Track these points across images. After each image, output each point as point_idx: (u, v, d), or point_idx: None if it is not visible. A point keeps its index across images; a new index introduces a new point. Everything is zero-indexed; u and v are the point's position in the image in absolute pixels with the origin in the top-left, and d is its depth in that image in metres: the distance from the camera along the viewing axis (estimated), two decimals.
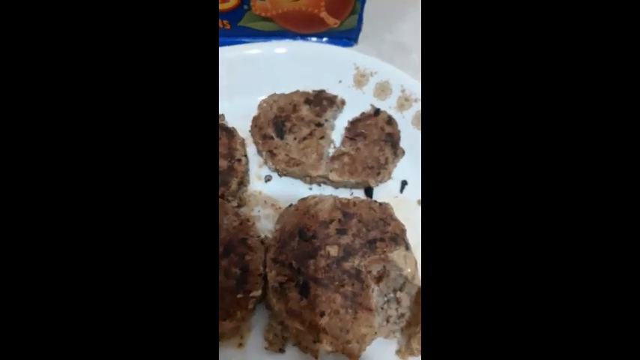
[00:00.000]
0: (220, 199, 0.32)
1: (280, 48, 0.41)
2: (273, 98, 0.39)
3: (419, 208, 0.36)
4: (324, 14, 0.44)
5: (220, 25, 0.44)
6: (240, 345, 0.29)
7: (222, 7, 0.42)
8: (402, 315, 0.29)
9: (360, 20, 0.46)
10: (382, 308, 0.29)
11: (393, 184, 0.37)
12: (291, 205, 0.33)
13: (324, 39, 0.47)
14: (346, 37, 0.47)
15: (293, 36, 0.47)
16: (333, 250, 0.30)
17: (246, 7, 0.42)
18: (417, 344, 0.28)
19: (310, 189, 0.37)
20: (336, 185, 0.36)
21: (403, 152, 0.37)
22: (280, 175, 0.37)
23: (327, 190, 0.36)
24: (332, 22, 0.45)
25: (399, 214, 0.33)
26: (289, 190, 0.36)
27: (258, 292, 0.28)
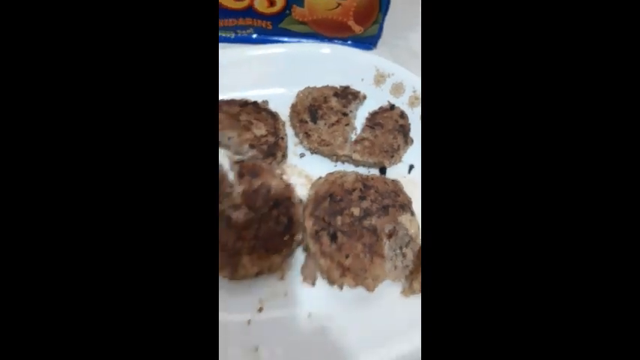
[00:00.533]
0: (269, 166, 0.40)
1: (316, 49, 0.50)
2: (308, 90, 0.47)
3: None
4: (351, 22, 0.52)
5: (264, 25, 0.52)
6: (282, 278, 0.38)
7: (268, 10, 0.50)
8: (407, 266, 0.38)
9: (380, 29, 0.54)
10: (391, 259, 0.38)
11: (402, 167, 0.46)
12: (320, 178, 0.42)
13: (349, 42, 0.55)
14: (368, 42, 0.56)
15: (322, 38, 0.55)
16: (356, 211, 0.38)
17: (287, 12, 0.50)
18: (417, 285, 0.37)
19: (335, 166, 0.45)
20: (357, 164, 0.45)
21: (412, 141, 0.45)
22: (312, 153, 0.45)
23: (349, 168, 0.45)
24: (357, 29, 0.53)
25: (406, 190, 0.42)
26: (319, 166, 0.45)
27: (299, 236, 0.37)
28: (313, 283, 0.38)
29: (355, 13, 0.51)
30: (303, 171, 0.45)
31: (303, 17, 0.51)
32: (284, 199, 0.38)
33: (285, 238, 0.36)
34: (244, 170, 0.39)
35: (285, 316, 0.36)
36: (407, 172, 0.45)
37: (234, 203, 0.38)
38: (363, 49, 0.54)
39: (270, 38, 0.54)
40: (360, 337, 0.34)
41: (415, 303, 0.36)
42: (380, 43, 0.57)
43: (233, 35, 0.54)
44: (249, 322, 0.35)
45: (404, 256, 0.38)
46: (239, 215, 0.37)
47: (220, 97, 0.45)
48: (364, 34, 0.54)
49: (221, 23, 0.52)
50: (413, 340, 0.33)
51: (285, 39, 0.53)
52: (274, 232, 0.36)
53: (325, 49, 0.50)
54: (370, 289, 0.36)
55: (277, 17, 0.51)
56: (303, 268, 0.38)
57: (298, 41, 0.53)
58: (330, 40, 0.55)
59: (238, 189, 0.39)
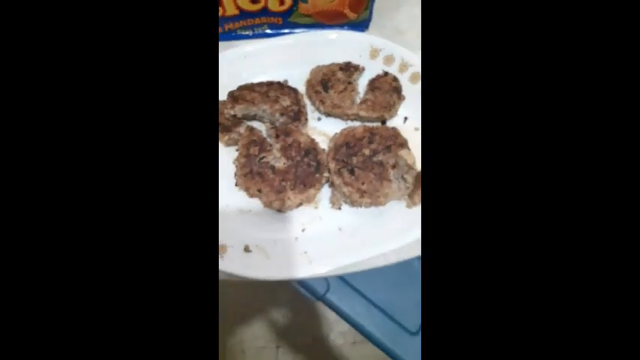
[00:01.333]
0: (297, 128, 0.53)
1: (320, 36, 0.62)
2: (319, 68, 0.59)
3: (416, 133, 0.57)
4: (347, 10, 0.64)
5: (275, 21, 0.65)
6: (316, 207, 0.51)
7: (279, 8, 0.62)
8: (407, 187, 0.51)
9: (370, 13, 0.66)
10: (396, 183, 0.51)
11: (398, 119, 0.58)
12: (336, 133, 0.55)
13: (345, 27, 0.67)
14: (360, 25, 0.67)
15: (322, 26, 0.67)
16: (367, 151, 0.51)
17: (295, 8, 0.62)
18: (417, 198, 0.49)
19: (346, 124, 0.58)
20: (363, 120, 0.57)
21: (404, 97, 0.58)
22: (327, 116, 0.58)
23: (357, 124, 0.57)
24: (352, 15, 0.65)
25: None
26: (333, 125, 0.57)
27: (326, 174, 0.50)
28: (339, 208, 0.51)
29: (350, 3, 0.63)
30: (322, 131, 0.57)
31: (308, 11, 0.63)
32: (311, 150, 0.51)
33: (317, 176, 0.49)
34: (279, 132, 0.52)
35: (322, 231, 0.49)
36: (402, 123, 0.58)
37: (276, 156, 0.51)
38: (357, 32, 0.66)
39: (281, 32, 0.66)
40: (377, 237, 0.47)
41: (414, 212, 0.49)
42: (370, 25, 0.69)
43: (251, 33, 0.67)
44: (296, 238, 0.48)
45: (405, 180, 0.50)
46: (280, 164, 0.50)
47: (251, 81, 0.58)
48: (357, 19, 0.66)
49: (241, 24, 0.65)
50: (414, 234, 0.46)
51: (294, 30, 0.66)
52: (308, 172, 0.49)
53: (327, 34, 0.62)
54: (382, 204, 0.49)
55: (286, 13, 0.63)
56: (331, 198, 0.51)
57: (304, 31, 0.66)
58: (330, 27, 0.67)
59: (277, 146, 0.52)
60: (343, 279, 0.66)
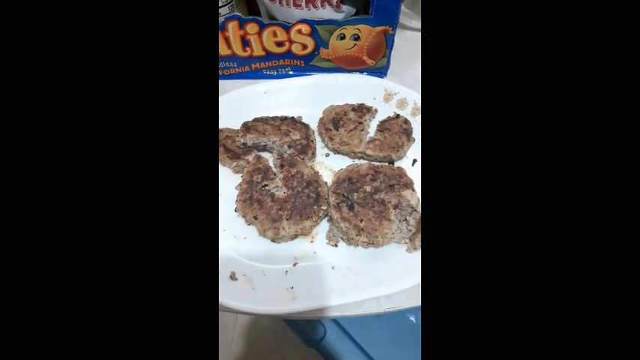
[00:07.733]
0: (302, 160, 0.53)
1: (338, 78, 0.65)
2: (332, 107, 0.61)
3: None
4: (365, 57, 0.67)
5: (298, 63, 0.69)
6: (312, 241, 0.49)
7: (301, 52, 0.66)
8: (410, 230, 0.48)
9: (388, 61, 0.68)
10: (397, 224, 0.48)
11: (407, 161, 0.57)
12: (341, 169, 0.54)
13: (364, 73, 0.70)
14: (378, 72, 0.70)
15: (343, 71, 0.70)
16: (368, 188, 0.50)
17: (316, 52, 0.66)
18: (418, 242, 0.46)
19: (353, 161, 0.57)
20: (369, 159, 0.56)
21: (414, 139, 0.57)
22: (335, 153, 0.58)
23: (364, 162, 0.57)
24: (370, 62, 0.68)
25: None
26: (340, 162, 0.57)
27: (325, 206, 0.49)
28: (336, 245, 0.49)
29: (367, 50, 0.66)
30: (328, 166, 0.57)
31: (328, 56, 0.67)
32: (313, 181, 0.51)
33: (314, 208, 0.48)
34: (284, 162, 0.53)
35: (313, 268, 0.47)
36: (411, 165, 0.56)
37: (277, 185, 0.51)
38: (373, 76, 0.68)
39: (303, 74, 0.70)
40: (370, 280, 0.44)
41: (415, 257, 0.46)
42: (390, 72, 0.71)
43: (275, 73, 0.71)
44: (286, 272, 0.46)
45: (407, 222, 0.48)
46: (280, 193, 0.50)
47: (267, 115, 0.61)
48: (376, 65, 0.68)
49: (266, 64, 0.70)
50: (411, 281, 0.42)
51: (314, 73, 0.69)
52: (306, 203, 0.49)
53: (344, 77, 0.65)
54: (380, 244, 0.46)
55: (309, 57, 0.67)
56: (328, 233, 0.49)
57: (327, 73, 0.69)
58: (349, 71, 0.70)
59: (280, 175, 0.52)
60: (341, 327, 0.62)
